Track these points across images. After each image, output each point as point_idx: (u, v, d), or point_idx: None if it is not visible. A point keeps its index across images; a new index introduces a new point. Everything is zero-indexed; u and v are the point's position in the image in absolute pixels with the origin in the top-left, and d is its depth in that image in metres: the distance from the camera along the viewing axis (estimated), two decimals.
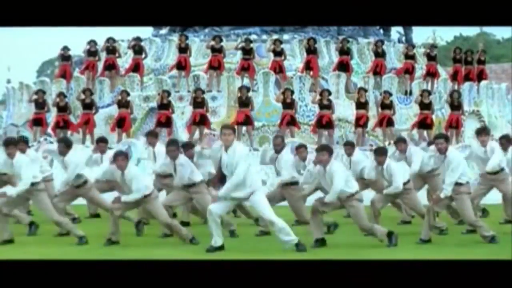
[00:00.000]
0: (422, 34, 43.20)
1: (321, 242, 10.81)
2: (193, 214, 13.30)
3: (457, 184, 10.93)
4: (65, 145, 12.09)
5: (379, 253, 10.11)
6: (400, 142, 13.75)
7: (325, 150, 10.89)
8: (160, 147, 13.66)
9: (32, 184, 11.09)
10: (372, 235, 10.94)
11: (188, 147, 12.84)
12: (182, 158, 11.91)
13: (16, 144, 11.31)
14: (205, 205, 11.17)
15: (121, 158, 11.02)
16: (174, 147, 11.96)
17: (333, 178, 10.66)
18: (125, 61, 23.72)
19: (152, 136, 14.27)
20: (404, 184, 12.16)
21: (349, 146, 14.16)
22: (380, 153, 12.33)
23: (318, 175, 11.09)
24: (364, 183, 13.22)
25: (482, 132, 12.70)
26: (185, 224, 13.12)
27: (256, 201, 10.33)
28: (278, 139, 13.21)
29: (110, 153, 14.23)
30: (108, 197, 13.30)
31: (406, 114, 21.70)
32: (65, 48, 23.14)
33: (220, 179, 10.32)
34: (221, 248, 10.33)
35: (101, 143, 14.59)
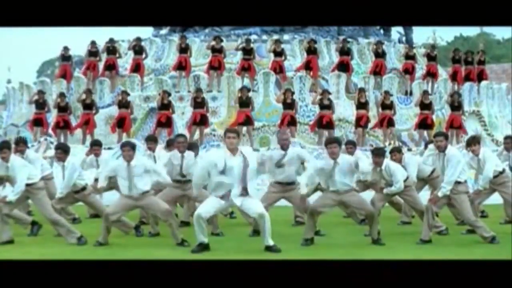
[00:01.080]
0: (422, 34, 43.29)
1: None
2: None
3: (456, 182, 10.93)
4: (63, 151, 12.09)
5: (379, 253, 10.12)
6: (395, 152, 13.40)
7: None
8: (161, 151, 13.63)
9: (30, 184, 11.12)
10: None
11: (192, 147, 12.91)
12: (189, 152, 12.19)
13: (9, 147, 11.31)
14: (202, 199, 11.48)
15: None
16: (184, 139, 12.47)
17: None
18: (125, 61, 23.74)
19: (151, 141, 13.95)
20: (404, 181, 12.16)
21: (351, 145, 13.88)
22: (378, 154, 12.30)
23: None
24: (365, 184, 13.21)
25: (472, 141, 12.47)
26: (185, 224, 13.14)
27: (250, 202, 10.22)
28: (285, 135, 12.52)
29: (105, 155, 14.23)
30: (108, 197, 13.36)
31: (406, 114, 21.71)
32: (65, 49, 23.16)
33: None
34: (207, 246, 10.27)
35: (95, 147, 14.44)
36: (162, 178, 11.26)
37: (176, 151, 12.30)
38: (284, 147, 11.84)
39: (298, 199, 11.68)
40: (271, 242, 10.20)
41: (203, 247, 10.21)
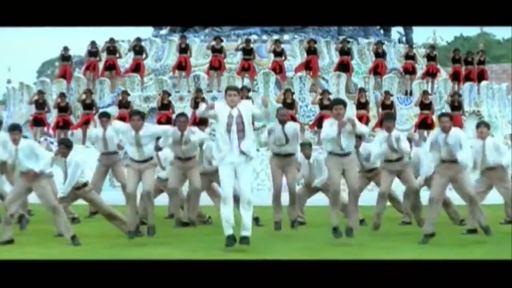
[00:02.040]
0: (422, 34, 43.30)
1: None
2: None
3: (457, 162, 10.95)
4: (66, 146, 12.06)
5: (379, 253, 10.11)
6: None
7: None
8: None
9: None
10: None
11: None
12: (192, 128, 12.70)
13: (21, 130, 11.36)
14: (194, 180, 12.35)
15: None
16: (185, 118, 12.66)
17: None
18: (125, 61, 23.74)
19: None
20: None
21: (358, 139, 14.08)
22: (388, 118, 12.67)
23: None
24: (367, 176, 13.23)
25: (482, 124, 12.81)
26: (185, 224, 13.13)
27: (246, 171, 10.25)
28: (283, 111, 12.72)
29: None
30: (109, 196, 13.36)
31: (406, 115, 21.72)
32: (65, 49, 23.17)
33: None
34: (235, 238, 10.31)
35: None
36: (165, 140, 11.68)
37: (176, 129, 12.43)
38: (282, 121, 12.04)
39: (294, 173, 12.07)
40: (247, 234, 10.24)
41: (234, 239, 10.22)
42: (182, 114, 12.96)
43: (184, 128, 12.39)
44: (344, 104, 10.83)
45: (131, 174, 11.45)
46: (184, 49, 22.46)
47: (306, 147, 13.29)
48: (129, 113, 11.96)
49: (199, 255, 9.95)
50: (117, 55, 23.02)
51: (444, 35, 69.82)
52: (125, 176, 12.65)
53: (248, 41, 22.25)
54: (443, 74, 24.63)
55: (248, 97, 19.76)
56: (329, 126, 10.70)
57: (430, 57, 23.47)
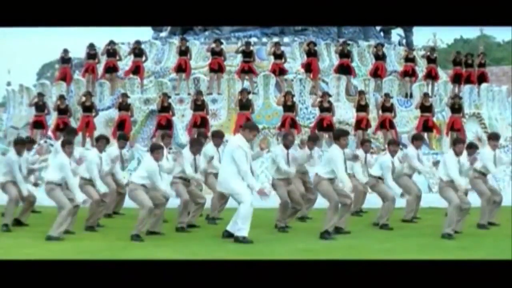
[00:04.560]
0: (422, 37, 43.23)
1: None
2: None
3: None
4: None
5: (379, 253, 10.12)
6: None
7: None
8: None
9: None
10: None
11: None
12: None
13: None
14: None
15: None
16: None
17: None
18: (125, 63, 23.74)
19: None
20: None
21: (368, 143, 15.46)
22: (393, 143, 13.74)
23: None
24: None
25: (493, 138, 13.62)
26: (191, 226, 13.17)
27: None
28: (290, 137, 13.60)
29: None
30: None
31: (406, 117, 21.69)
32: (65, 51, 23.16)
33: None
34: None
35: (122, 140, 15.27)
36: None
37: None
38: (290, 145, 13.18)
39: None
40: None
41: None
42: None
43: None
44: (348, 134, 12.31)
45: (146, 194, 11.93)
46: (184, 52, 22.43)
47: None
48: (151, 147, 12.29)
49: (198, 256, 9.96)
50: (117, 57, 23.01)
51: (444, 37, 69.70)
52: None
53: (248, 44, 22.23)
54: (444, 77, 24.61)
55: (248, 100, 19.81)
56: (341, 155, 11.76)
57: (430, 60, 23.44)
